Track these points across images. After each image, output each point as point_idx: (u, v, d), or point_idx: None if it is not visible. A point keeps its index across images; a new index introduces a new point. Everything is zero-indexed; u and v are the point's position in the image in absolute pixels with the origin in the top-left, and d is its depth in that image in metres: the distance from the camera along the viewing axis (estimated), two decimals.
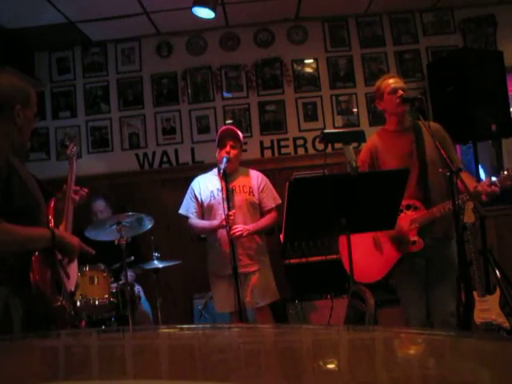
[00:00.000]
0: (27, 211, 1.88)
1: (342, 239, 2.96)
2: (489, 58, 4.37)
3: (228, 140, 3.39)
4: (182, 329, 1.45)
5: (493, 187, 2.55)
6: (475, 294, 3.33)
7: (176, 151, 4.97)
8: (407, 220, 2.81)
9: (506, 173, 2.57)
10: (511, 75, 4.49)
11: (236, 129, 3.51)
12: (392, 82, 2.92)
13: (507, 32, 4.92)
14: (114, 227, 3.50)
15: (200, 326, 1.88)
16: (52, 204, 2.22)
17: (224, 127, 3.59)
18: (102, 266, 3.53)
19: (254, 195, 3.45)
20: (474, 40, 4.96)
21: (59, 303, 1.88)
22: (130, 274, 3.99)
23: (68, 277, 2.03)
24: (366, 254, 2.96)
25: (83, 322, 1.97)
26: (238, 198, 3.38)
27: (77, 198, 2.43)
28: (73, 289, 2.09)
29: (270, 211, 3.49)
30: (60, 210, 2.34)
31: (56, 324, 1.85)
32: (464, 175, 2.63)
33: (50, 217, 2.14)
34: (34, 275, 1.78)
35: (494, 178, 2.67)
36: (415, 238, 2.77)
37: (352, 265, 2.47)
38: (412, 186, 2.79)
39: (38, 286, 1.78)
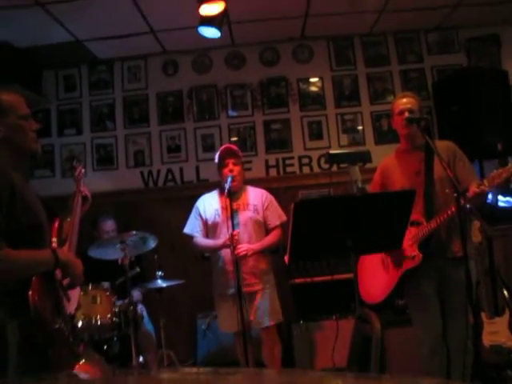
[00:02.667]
0: (30, 232, 1.86)
1: (363, 259, 2.98)
2: (493, 77, 4.38)
3: (229, 158, 3.39)
4: (183, 373, 1.38)
5: (481, 187, 2.52)
6: (483, 315, 3.28)
7: (181, 169, 4.96)
8: (409, 236, 2.79)
9: (494, 171, 2.53)
10: None
11: (234, 146, 3.52)
12: (402, 102, 2.95)
13: (511, 52, 4.93)
14: (117, 246, 3.48)
15: (201, 370, 1.80)
16: (56, 224, 2.20)
17: (223, 147, 3.59)
18: (105, 285, 3.50)
19: (258, 213, 3.44)
20: (478, 59, 4.96)
21: (57, 326, 1.83)
22: (137, 293, 3.95)
23: (68, 299, 2.00)
24: (374, 274, 2.95)
25: (82, 346, 1.93)
26: (242, 217, 3.37)
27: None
28: (73, 312, 2.06)
29: (274, 229, 3.47)
30: (64, 230, 2.33)
31: (53, 348, 1.80)
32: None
33: (54, 238, 2.12)
34: (33, 297, 1.74)
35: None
36: (414, 253, 2.74)
37: (358, 286, 2.44)
38: (419, 203, 2.78)
39: (36, 307, 1.74)
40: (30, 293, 1.74)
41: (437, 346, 2.81)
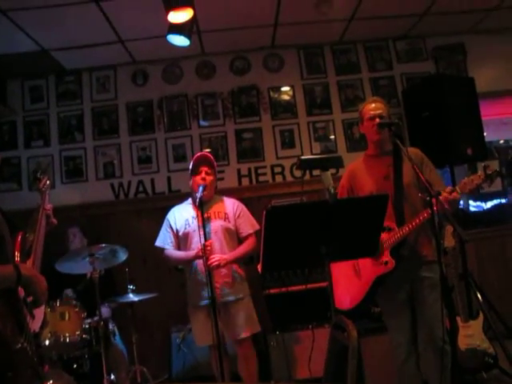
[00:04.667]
0: None
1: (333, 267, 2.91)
2: (461, 85, 4.46)
3: (203, 166, 3.35)
4: None
5: (453, 194, 2.54)
6: (458, 319, 3.29)
7: (152, 180, 4.88)
8: (380, 242, 2.76)
9: (466, 178, 2.56)
10: (483, 101, 4.57)
11: (211, 155, 3.47)
12: (372, 107, 2.94)
13: (476, 60, 5.06)
14: (86, 259, 3.37)
15: None
16: (19, 238, 2.10)
17: (199, 154, 3.54)
18: (74, 301, 3.38)
19: (229, 221, 3.39)
20: (446, 67, 5.08)
21: (19, 345, 1.73)
22: (106, 310, 3.84)
23: (33, 317, 1.89)
24: (346, 280, 2.93)
25: (46, 367, 1.82)
26: (213, 225, 3.32)
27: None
28: (37, 330, 1.95)
29: (247, 237, 3.42)
30: (28, 244, 2.22)
31: (15, 370, 1.69)
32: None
33: (16, 252, 2.02)
34: None
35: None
36: (387, 259, 2.73)
37: (333, 294, 2.40)
38: (389, 208, 2.71)
39: None
40: None
41: (411, 349, 2.82)
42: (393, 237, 2.74)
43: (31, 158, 4.90)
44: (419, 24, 4.79)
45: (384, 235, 2.75)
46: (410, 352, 2.82)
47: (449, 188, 2.61)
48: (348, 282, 2.92)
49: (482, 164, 2.55)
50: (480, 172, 2.50)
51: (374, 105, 2.95)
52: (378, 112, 2.90)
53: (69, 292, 3.42)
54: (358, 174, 3.00)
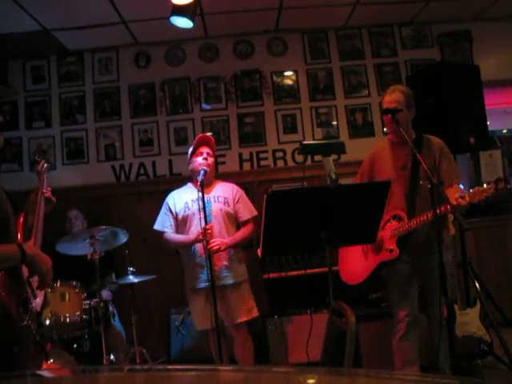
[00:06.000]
0: None
1: (341, 250, 3.12)
2: (466, 72, 4.41)
3: (204, 147, 3.34)
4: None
5: (460, 200, 2.56)
6: (456, 307, 3.32)
7: (153, 163, 4.87)
8: (391, 228, 2.88)
9: (477, 188, 2.56)
10: (488, 89, 4.53)
11: (212, 138, 3.47)
12: (386, 99, 2.99)
13: (482, 47, 5.00)
14: (87, 241, 3.39)
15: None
16: (21, 219, 2.11)
17: (202, 134, 3.54)
18: (74, 282, 3.40)
19: (229, 205, 3.39)
20: (451, 54, 5.02)
21: (25, 323, 1.76)
22: (106, 293, 3.86)
23: (35, 296, 1.91)
24: (355, 258, 3.04)
25: (49, 345, 1.84)
26: (213, 208, 3.32)
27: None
28: (39, 309, 1.97)
29: (246, 223, 3.42)
30: (29, 224, 2.23)
31: (20, 346, 1.72)
32: (453, 189, 2.72)
33: (19, 233, 2.03)
34: None
35: (462, 189, 2.71)
36: (392, 247, 2.84)
37: (332, 278, 2.41)
38: (401, 198, 2.89)
39: (3, 303, 1.67)
40: None
41: (411, 327, 2.91)
42: (401, 227, 2.82)
43: (32, 139, 4.88)
44: (425, 10, 4.73)
45: (394, 223, 2.85)
46: (410, 330, 2.91)
47: (458, 193, 2.63)
48: (356, 260, 3.03)
49: (494, 179, 2.54)
50: (491, 185, 2.52)
51: (388, 96, 2.99)
52: (393, 105, 2.92)
53: (73, 282, 3.42)
54: (379, 159, 3.07)
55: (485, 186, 2.54)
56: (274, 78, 4.99)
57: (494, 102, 4.93)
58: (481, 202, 2.55)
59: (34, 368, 1.80)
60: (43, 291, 2.10)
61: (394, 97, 2.96)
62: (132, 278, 3.68)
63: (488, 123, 4.43)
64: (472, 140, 4.16)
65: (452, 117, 4.17)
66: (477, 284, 3.69)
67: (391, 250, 2.83)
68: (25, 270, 1.88)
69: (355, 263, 3.03)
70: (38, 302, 2.00)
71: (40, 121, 4.92)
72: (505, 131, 5.30)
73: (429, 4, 4.62)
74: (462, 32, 5.05)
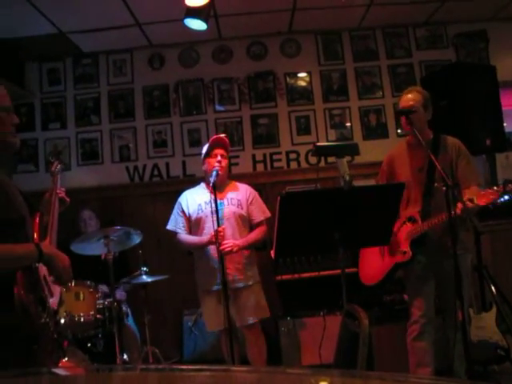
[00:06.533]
0: (12, 226, 1.79)
1: (362, 251, 3.15)
2: (482, 73, 4.36)
3: (219, 148, 3.34)
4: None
5: (469, 203, 2.54)
6: (471, 311, 3.28)
7: (167, 164, 4.90)
8: (406, 230, 2.87)
9: (486, 190, 2.56)
10: (504, 90, 4.47)
11: (226, 139, 3.47)
12: (402, 100, 2.99)
13: (499, 47, 4.94)
14: (101, 241, 3.41)
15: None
16: (37, 219, 2.14)
17: (216, 136, 3.54)
18: (88, 282, 3.42)
19: (242, 208, 3.39)
20: (466, 55, 4.97)
21: (43, 320, 1.79)
22: (120, 293, 3.89)
23: (52, 295, 1.94)
24: (373, 258, 3.06)
25: (66, 343, 1.87)
26: (226, 211, 3.32)
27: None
28: (55, 307, 2.00)
29: (259, 224, 3.42)
30: (44, 224, 2.26)
31: (38, 344, 1.74)
32: (470, 191, 2.68)
33: (35, 232, 2.05)
34: (18, 289, 1.69)
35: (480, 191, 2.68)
36: (405, 249, 2.84)
37: (345, 280, 2.40)
38: (418, 200, 2.89)
39: (22, 301, 1.70)
40: (16, 287, 1.69)
41: (427, 328, 2.89)
42: (415, 229, 2.81)
43: (48, 140, 4.94)
44: (440, 10, 4.69)
45: (408, 225, 2.85)
46: (425, 331, 2.89)
47: (466, 197, 2.60)
48: (374, 261, 3.04)
49: (502, 180, 2.52)
50: (500, 187, 2.50)
51: (405, 96, 2.98)
52: (410, 103, 2.90)
53: (87, 281, 3.45)
54: (397, 161, 3.07)
55: (495, 188, 2.52)
56: (288, 79, 4.99)
57: (510, 103, 4.86)
58: (491, 204, 2.52)
59: (52, 365, 1.83)
60: (59, 290, 2.12)
61: (410, 96, 2.95)
62: (145, 278, 3.69)
63: (504, 124, 4.38)
64: (488, 141, 4.12)
65: (468, 118, 4.12)
66: (493, 288, 3.63)
67: (405, 252, 2.83)
68: (42, 269, 1.91)
69: (373, 264, 3.05)
70: (54, 300, 2.03)
71: (56, 122, 4.97)
72: None
73: (444, 4, 4.58)
74: (478, 32, 4.98)
